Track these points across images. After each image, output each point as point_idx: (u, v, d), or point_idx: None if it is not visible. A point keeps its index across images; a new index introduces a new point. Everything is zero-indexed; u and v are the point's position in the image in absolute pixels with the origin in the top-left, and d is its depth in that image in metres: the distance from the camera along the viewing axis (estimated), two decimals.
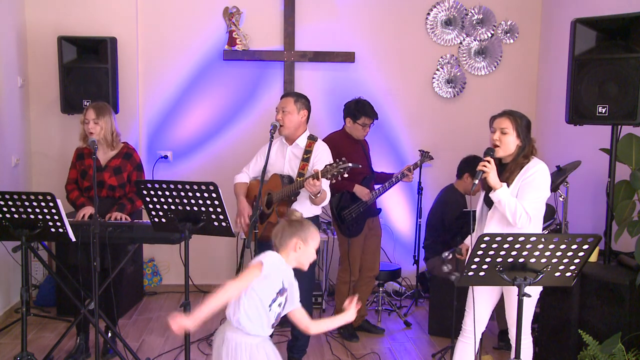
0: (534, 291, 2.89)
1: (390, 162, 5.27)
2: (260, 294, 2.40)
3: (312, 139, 3.68)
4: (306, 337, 3.83)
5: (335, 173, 3.23)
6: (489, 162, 2.86)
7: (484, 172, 2.85)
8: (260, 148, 3.81)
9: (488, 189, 2.93)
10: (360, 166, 3.35)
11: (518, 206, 2.81)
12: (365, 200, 4.18)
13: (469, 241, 3.17)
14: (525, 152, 2.93)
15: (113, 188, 3.81)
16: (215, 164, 5.26)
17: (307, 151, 3.62)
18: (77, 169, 3.89)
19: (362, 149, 4.33)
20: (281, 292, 2.45)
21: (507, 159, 2.98)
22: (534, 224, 2.90)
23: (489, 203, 2.97)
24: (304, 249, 2.49)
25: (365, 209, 4.22)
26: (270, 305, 2.42)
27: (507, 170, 2.95)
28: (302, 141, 3.67)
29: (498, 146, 2.95)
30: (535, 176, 2.88)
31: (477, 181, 2.87)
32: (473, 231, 3.08)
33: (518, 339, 2.55)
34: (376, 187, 4.32)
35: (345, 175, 3.26)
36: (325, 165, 3.27)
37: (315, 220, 3.77)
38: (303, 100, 3.69)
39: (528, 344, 3.01)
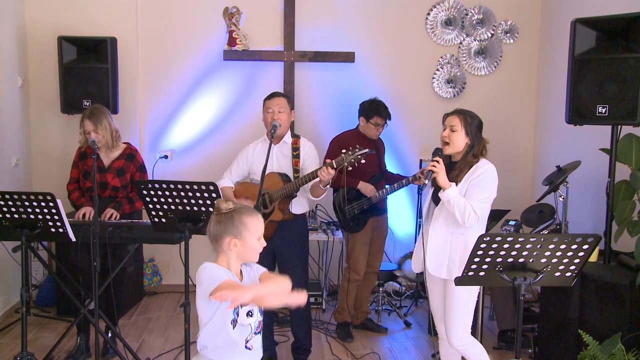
0: (470, 292, 2.94)
1: (389, 162, 5.26)
2: (216, 315, 2.14)
3: (295, 136, 3.72)
4: (308, 337, 3.84)
5: (353, 160, 3.25)
6: (437, 162, 2.91)
7: (433, 172, 2.90)
8: (243, 150, 3.80)
9: (437, 187, 2.98)
10: (374, 152, 3.36)
11: (467, 206, 2.86)
12: (369, 196, 4.18)
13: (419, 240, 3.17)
14: (475, 151, 2.98)
15: (116, 189, 3.81)
16: (215, 164, 5.24)
17: (295, 148, 3.66)
18: (79, 169, 3.89)
19: (374, 148, 4.32)
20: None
21: (457, 157, 3.03)
22: (481, 224, 2.95)
23: (437, 200, 3.01)
24: (242, 244, 2.17)
25: (369, 206, 4.22)
26: (233, 322, 2.15)
27: (456, 169, 3.00)
28: (288, 139, 3.70)
29: (447, 143, 3.00)
30: (484, 176, 2.92)
31: (427, 181, 2.93)
32: (421, 227, 3.14)
33: (518, 338, 2.55)
34: (386, 186, 4.32)
35: (363, 161, 3.27)
36: (341, 154, 3.29)
37: (305, 216, 3.79)
38: (292, 101, 3.75)
39: (471, 344, 3.01)
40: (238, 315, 2.16)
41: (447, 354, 3.19)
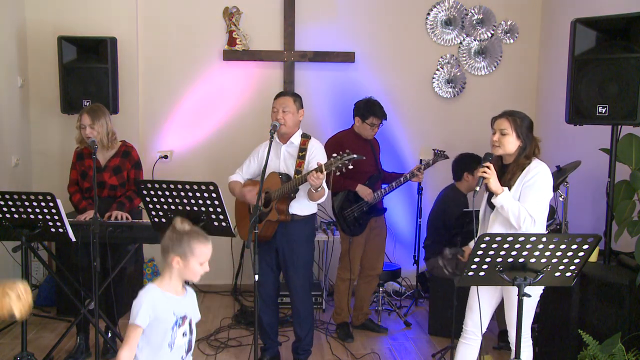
0: (535, 292, 2.88)
1: (389, 162, 5.26)
2: (155, 338, 2.26)
3: (305, 136, 3.70)
4: (310, 336, 3.83)
5: (340, 165, 3.23)
6: (488, 167, 2.85)
7: (484, 177, 2.85)
8: (256, 149, 3.82)
9: (491, 192, 2.92)
10: (364, 157, 3.35)
11: (521, 210, 2.81)
12: (367, 200, 4.19)
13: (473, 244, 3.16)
14: (527, 153, 2.92)
15: (114, 188, 3.81)
16: (215, 164, 5.26)
17: (302, 149, 3.64)
18: (77, 170, 3.89)
19: (370, 148, 4.33)
20: (178, 323, 2.30)
21: (508, 160, 2.97)
22: (538, 226, 2.88)
23: (492, 205, 2.95)
24: (184, 264, 2.27)
25: (368, 208, 4.23)
26: (171, 344, 2.28)
27: (509, 172, 2.94)
28: (296, 139, 3.68)
29: (498, 147, 2.94)
30: (537, 178, 2.86)
31: (478, 188, 2.87)
32: (476, 232, 3.06)
33: (518, 339, 2.55)
34: (383, 186, 4.32)
35: (350, 167, 3.24)
36: (330, 158, 3.27)
37: (311, 218, 3.78)
38: (300, 100, 3.73)
39: (528, 346, 3.00)
40: (175, 337, 2.29)
41: (465, 352, 3.14)
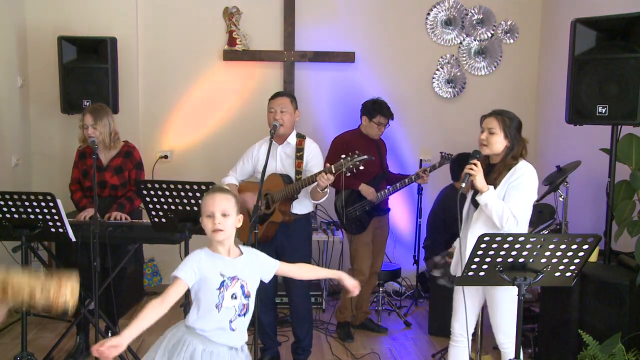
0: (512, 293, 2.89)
1: (389, 162, 5.26)
2: (202, 299, 2.25)
3: (300, 137, 3.71)
4: (309, 337, 3.84)
5: (351, 166, 3.25)
6: (475, 164, 2.85)
7: (470, 174, 2.85)
8: (249, 150, 3.81)
9: (476, 190, 2.93)
10: (373, 158, 3.39)
11: (505, 209, 2.81)
12: (370, 199, 4.19)
13: (457, 244, 3.15)
14: (514, 153, 2.93)
15: (115, 187, 3.81)
16: (215, 164, 5.24)
17: (299, 149, 3.65)
18: (79, 169, 3.89)
19: (376, 148, 4.34)
20: (225, 284, 2.25)
21: (495, 159, 2.98)
22: (521, 227, 2.89)
23: (476, 204, 2.96)
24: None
25: (371, 207, 4.23)
26: (218, 305, 2.24)
27: (495, 172, 2.94)
28: (292, 140, 3.69)
29: (486, 145, 2.95)
30: (523, 179, 2.87)
31: (464, 184, 2.87)
32: (460, 231, 3.07)
33: (518, 339, 2.55)
34: (387, 187, 4.32)
35: (362, 168, 3.27)
36: (340, 159, 3.29)
37: (309, 216, 3.81)
38: (295, 101, 3.75)
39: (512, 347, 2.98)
40: (223, 299, 2.24)
41: (456, 355, 3.15)
